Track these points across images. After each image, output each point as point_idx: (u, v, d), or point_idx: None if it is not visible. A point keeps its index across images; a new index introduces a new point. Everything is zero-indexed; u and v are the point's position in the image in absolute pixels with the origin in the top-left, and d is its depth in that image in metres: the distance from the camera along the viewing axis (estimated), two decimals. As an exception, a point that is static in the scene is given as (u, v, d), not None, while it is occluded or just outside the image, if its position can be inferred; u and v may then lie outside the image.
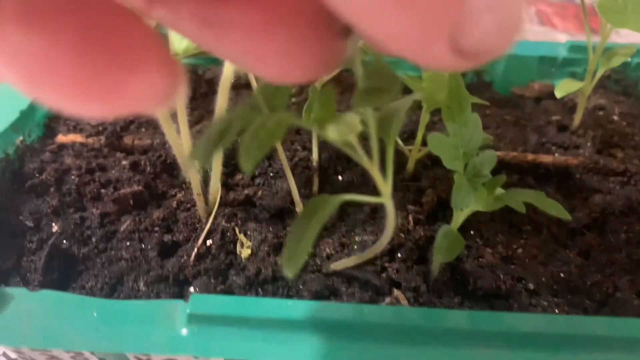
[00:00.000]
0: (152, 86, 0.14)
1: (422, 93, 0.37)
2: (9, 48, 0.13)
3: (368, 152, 0.24)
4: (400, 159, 0.44)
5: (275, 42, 0.15)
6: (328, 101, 0.25)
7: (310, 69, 0.16)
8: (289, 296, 0.36)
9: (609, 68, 0.48)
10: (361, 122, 0.21)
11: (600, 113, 0.55)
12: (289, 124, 0.21)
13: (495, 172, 0.48)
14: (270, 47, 0.15)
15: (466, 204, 0.30)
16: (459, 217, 0.33)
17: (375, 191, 0.26)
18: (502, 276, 0.38)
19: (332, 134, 0.21)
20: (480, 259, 0.40)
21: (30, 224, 0.40)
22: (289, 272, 0.20)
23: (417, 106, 0.40)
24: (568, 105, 0.56)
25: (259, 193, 0.43)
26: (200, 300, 0.32)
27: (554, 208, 0.30)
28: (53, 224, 0.40)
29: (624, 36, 0.91)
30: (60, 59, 0.13)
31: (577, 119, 0.51)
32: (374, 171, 0.24)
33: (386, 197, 0.25)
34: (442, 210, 0.42)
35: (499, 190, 0.34)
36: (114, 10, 0.14)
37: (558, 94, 0.44)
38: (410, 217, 0.40)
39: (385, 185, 0.25)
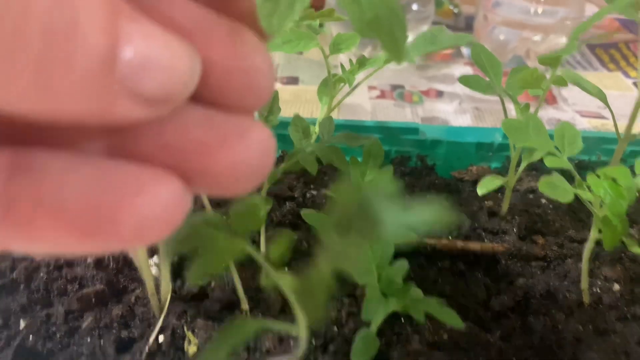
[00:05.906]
0: None
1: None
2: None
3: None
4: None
5: None
6: (283, 246, 0.29)
7: None
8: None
9: (530, 161, 0.53)
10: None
11: (531, 196, 0.61)
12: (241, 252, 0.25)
13: (428, 258, 0.53)
14: None
15: (376, 317, 0.35)
16: (377, 318, 0.38)
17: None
18: (425, 365, 0.43)
19: (264, 280, 0.25)
20: (407, 346, 0.44)
21: (-1, 321, 0.44)
22: None
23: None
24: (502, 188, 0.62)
25: (212, 284, 0.48)
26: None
27: (449, 317, 0.35)
28: (21, 321, 0.44)
29: (573, 104, 0.98)
30: None
31: (505, 207, 0.56)
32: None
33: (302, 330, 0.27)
34: (374, 301, 0.47)
35: (415, 292, 0.39)
36: None
37: (480, 191, 0.50)
38: (344, 311, 0.44)
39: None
